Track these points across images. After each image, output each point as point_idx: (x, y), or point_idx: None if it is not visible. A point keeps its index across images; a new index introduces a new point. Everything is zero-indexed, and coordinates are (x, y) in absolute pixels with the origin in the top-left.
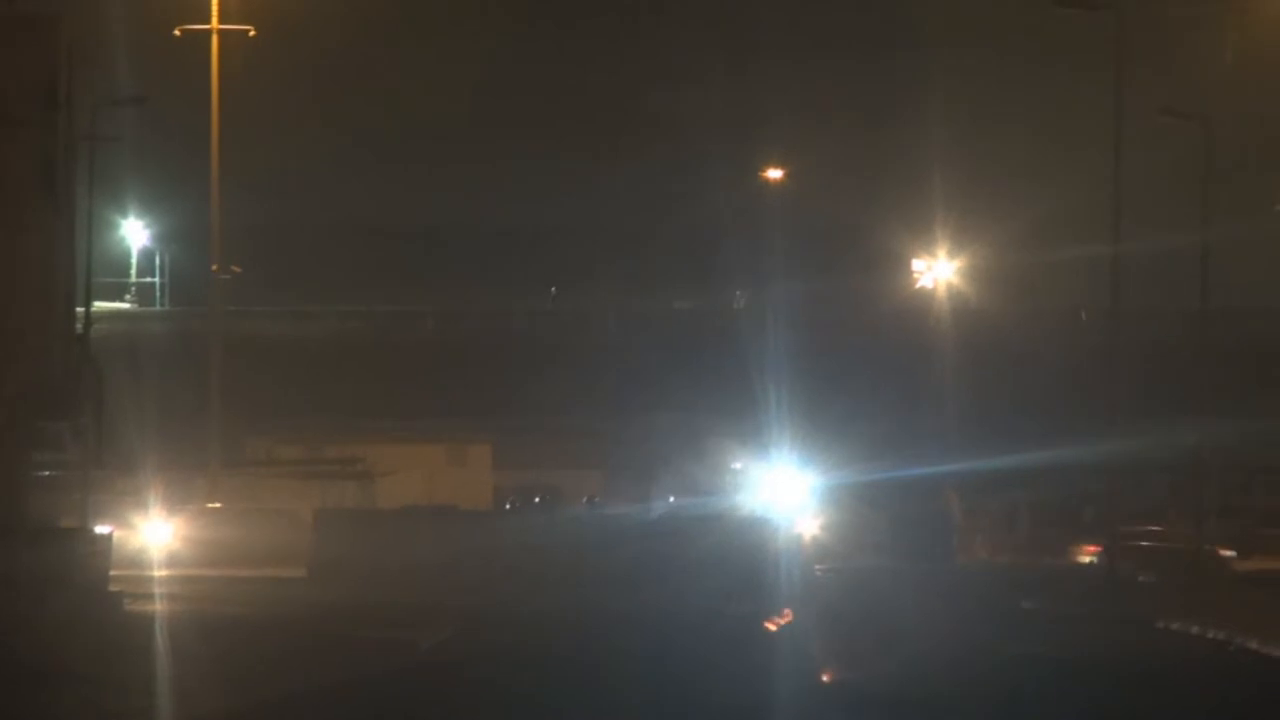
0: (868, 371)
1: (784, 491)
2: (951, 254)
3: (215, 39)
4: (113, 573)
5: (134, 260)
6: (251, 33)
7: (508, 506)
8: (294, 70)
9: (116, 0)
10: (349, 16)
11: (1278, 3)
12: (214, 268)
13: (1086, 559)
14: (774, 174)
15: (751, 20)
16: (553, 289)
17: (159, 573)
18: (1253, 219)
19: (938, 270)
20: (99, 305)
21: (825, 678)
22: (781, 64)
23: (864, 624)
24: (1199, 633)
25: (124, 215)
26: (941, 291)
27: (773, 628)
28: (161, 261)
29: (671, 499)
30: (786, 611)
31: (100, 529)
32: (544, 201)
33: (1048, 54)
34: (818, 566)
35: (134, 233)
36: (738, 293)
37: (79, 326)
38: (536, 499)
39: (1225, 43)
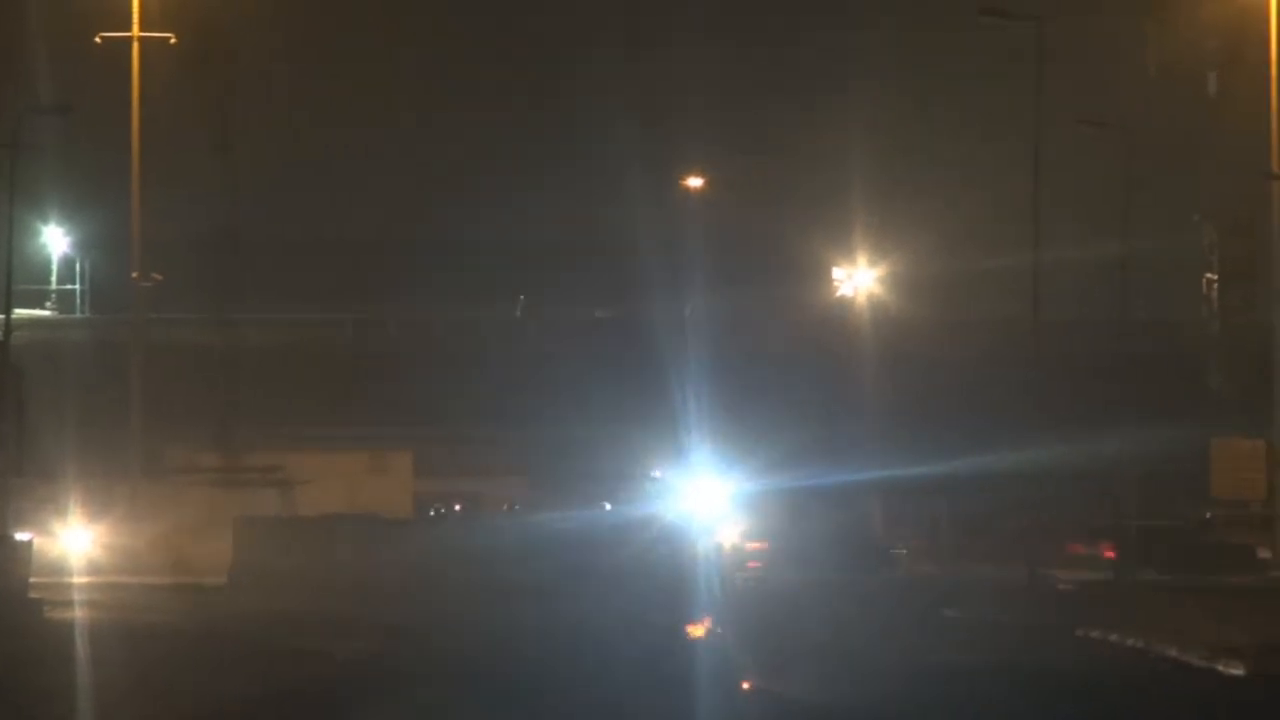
0: (789, 379)
1: (704, 499)
2: (872, 262)
3: (136, 46)
4: (32, 580)
5: (55, 267)
6: (173, 40)
7: (431, 513)
8: (221, 79)
9: (41, 10)
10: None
11: (1194, 17)
12: (135, 275)
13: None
14: (694, 182)
15: (672, 26)
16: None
17: (79, 580)
18: (1173, 230)
19: (858, 279)
20: (19, 312)
21: (745, 686)
22: (703, 73)
23: (785, 633)
24: (1117, 640)
25: (45, 222)
26: (862, 300)
27: (692, 637)
28: (82, 269)
29: (607, 505)
30: (706, 620)
31: (20, 536)
32: (468, 213)
33: (972, 65)
34: (738, 574)
35: (55, 240)
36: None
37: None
38: (458, 506)
39: (1148, 56)
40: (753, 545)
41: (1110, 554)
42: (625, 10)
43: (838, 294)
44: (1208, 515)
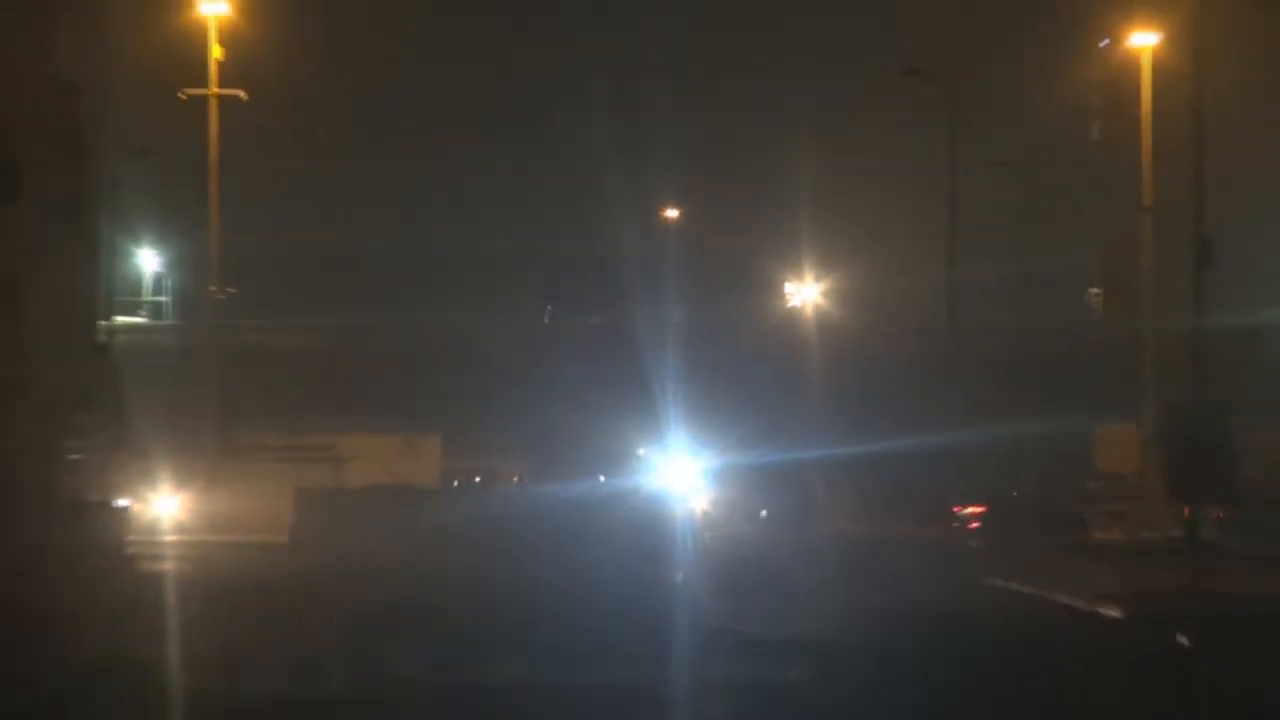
0: (749, 376)
1: (679, 474)
2: (817, 279)
3: (214, 102)
4: (129, 539)
5: (146, 283)
6: (243, 97)
7: (455, 485)
8: (281, 125)
9: (135, 66)
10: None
11: (1080, 72)
12: (212, 289)
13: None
14: (671, 213)
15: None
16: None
17: (167, 538)
18: (1065, 252)
19: (805, 293)
20: (119, 320)
21: (713, 624)
22: (680, 119)
23: (744, 582)
24: (1017, 588)
25: (138, 245)
26: (808, 310)
27: (671, 583)
28: (168, 283)
29: (601, 478)
30: (681, 570)
31: (119, 503)
32: (484, 232)
33: (901, 114)
34: (706, 534)
35: (147, 260)
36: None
37: (102, 337)
38: (477, 479)
39: (1046, 108)
40: (718, 510)
41: (975, 520)
42: (613, 73)
43: (788, 305)
44: (1090, 485)
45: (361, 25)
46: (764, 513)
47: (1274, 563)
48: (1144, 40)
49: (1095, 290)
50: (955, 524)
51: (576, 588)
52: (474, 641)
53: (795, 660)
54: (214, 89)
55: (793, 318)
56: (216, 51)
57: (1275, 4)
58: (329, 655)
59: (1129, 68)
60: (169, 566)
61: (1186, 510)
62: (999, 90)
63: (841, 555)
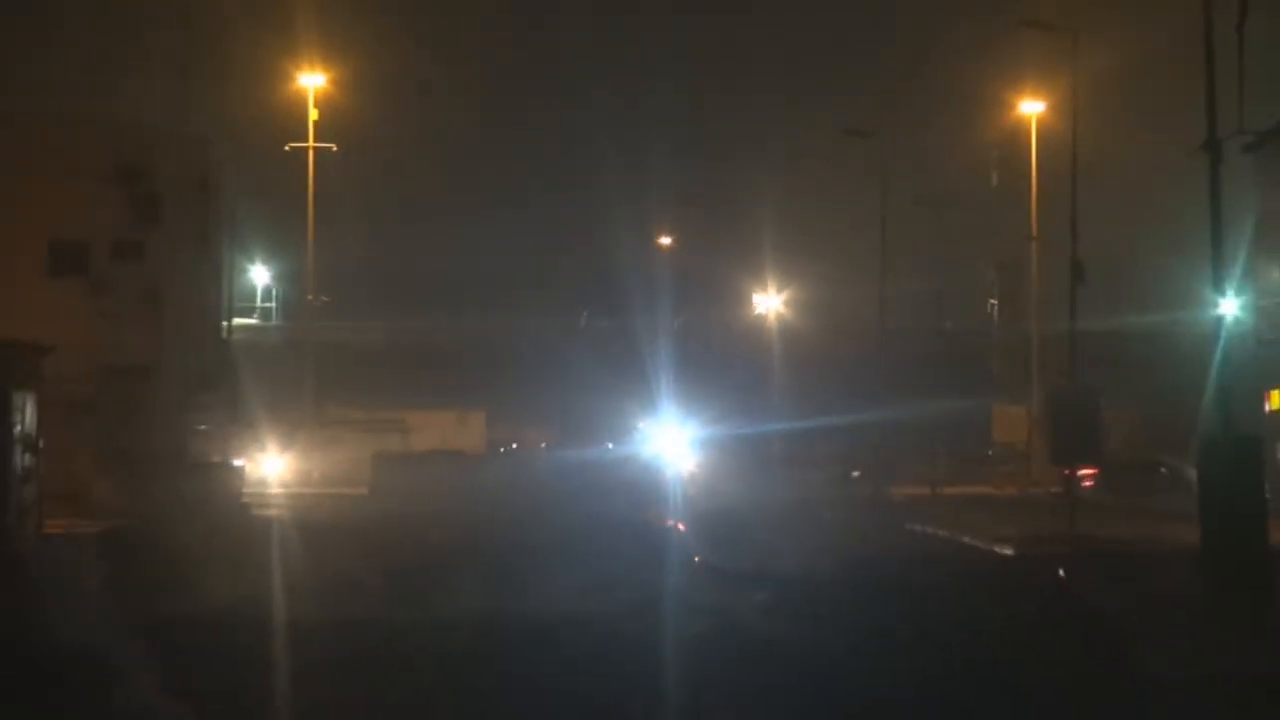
0: (724, 367)
1: (671, 443)
2: (779, 291)
3: (311, 153)
4: (243, 491)
5: (258, 292)
6: (333, 149)
7: (500, 451)
8: (365, 168)
9: (251, 123)
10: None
11: (983, 133)
12: (309, 297)
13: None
14: (665, 241)
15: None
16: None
17: (273, 491)
18: (970, 270)
19: (769, 302)
20: (236, 321)
21: (698, 560)
22: (674, 167)
23: (721, 527)
24: (931, 531)
25: (252, 262)
26: (771, 316)
27: (664, 528)
28: (275, 293)
29: (609, 446)
30: (671, 518)
31: (235, 463)
32: (521, 255)
33: (846, 157)
34: (690, 489)
35: (259, 274)
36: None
37: (224, 335)
38: (514, 446)
39: (956, 160)
40: (700, 472)
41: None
42: (623, 134)
43: (755, 312)
44: (989, 452)
45: (426, 92)
46: (734, 474)
47: (1128, 511)
48: (1031, 108)
49: (993, 301)
50: (885, 483)
51: (590, 530)
52: (513, 570)
53: (762, 586)
54: (311, 143)
55: (759, 322)
56: (313, 114)
57: (1137, 79)
58: (406, 579)
59: (1021, 130)
60: (274, 512)
61: (1064, 471)
62: (921, 145)
63: (798, 507)
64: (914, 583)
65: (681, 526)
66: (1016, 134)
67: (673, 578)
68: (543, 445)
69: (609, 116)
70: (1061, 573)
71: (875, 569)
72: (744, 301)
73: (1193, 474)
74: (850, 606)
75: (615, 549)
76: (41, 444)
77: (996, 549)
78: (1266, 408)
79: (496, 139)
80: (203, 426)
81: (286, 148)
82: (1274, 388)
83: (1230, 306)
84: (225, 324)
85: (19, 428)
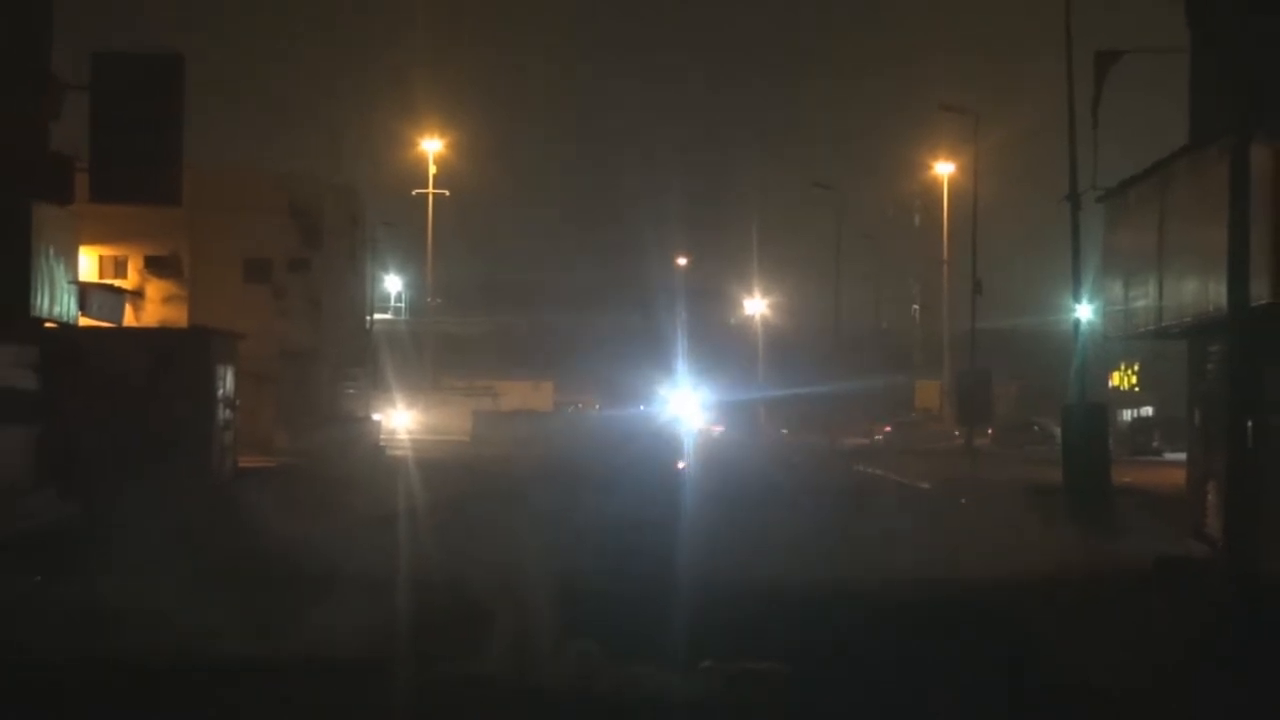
0: (724, 355)
1: (687, 408)
2: (763, 296)
3: (430, 198)
4: (381, 437)
5: (391, 296)
6: (447, 194)
7: (567, 410)
8: (474, 205)
9: (387, 173)
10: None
11: (910, 185)
12: (429, 299)
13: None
14: (681, 261)
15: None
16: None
17: (402, 438)
18: (902, 285)
19: (756, 305)
20: (376, 316)
21: (705, 488)
22: (688, 201)
23: (720, 465)
24: (870, 471)
25: (387, 274)
26: (758, 317)
27: (681, 466)
28: (405, 296)
29: (641, 407)
30: (684, 462)
31: (375, 417)
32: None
33: (814, 203)
34: (700, 440)
35: (392, 283)
36: (680, 314)
37: (367, 327)
38: (574, 407)
39: (891, 204)
40: (713, 428)
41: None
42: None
43: (745, 312)
44: (912, 416)
45: (520, 147)
46: (730, 428)
47: (1012, 459)
48: (944, 169)
49: (916, 306)
50: (839, 437)
51: (627, 467)
52: (578, 490)
53: (749, 505)
54: (430, 190)
55: (749, 319)
56: (432, 170)
57: (1024, 146)
58: (505, 495)
59: (937, 183)
60: (403, 453)
61: (966, 430)
62: (866, 193)
63: (774, 453)
64: (856, 505)
65: (681, 465)
66: (934, 186)
67: (685, 501)
68: (596, 406)
69: (646, 174)
70: (964, 500)
71: (831, 495)
72: (737, 304)
73: (1057, 431)
74: (810, 517)
75: (643, 480)
76: (238, 403)
77: (920, 485)
78: (1109, 384)
79: (564, 185)
80: (351, 391)
81: (413, 193)
82: (1114, 370)
83: (1085, 312)
84: (368, 318)
85: (222, 390)
